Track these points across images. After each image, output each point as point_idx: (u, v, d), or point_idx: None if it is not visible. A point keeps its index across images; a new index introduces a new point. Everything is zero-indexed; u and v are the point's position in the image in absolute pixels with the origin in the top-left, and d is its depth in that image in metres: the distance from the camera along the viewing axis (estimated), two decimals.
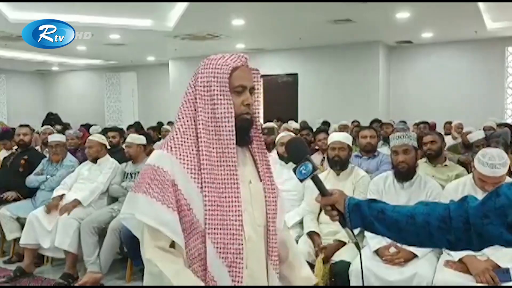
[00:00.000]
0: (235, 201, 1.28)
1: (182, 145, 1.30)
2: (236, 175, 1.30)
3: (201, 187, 1.27)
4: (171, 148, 1.30)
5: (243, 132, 1.35)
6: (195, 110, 1.32)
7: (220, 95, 1.30)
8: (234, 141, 1.30)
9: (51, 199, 3.97)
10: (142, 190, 1.27)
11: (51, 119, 13.39)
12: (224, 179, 1.29)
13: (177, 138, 1.31)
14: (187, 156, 1.28)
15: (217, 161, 1.29)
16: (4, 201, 4.31)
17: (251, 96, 1.36)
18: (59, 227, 3.70)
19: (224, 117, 1.29)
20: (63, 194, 3.99)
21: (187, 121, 1.32)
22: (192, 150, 1.29)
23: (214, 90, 1.30)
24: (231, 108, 1.30)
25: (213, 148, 1.29)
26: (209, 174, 1.27)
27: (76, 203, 3.87)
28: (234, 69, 1.32)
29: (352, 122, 8.36)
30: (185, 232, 1.26)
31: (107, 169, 4.09)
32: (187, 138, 1.30)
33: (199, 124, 1.30)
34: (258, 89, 1.41)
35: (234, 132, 1.30)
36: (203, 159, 1.28)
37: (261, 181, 1.41)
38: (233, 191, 1.29)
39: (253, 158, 1.43)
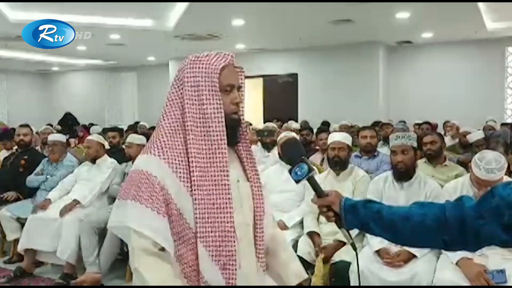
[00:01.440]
0: (225, 202, 1.27)
1: (169, 147, 1.27)
2: (227, 175, 1.28)
3: (191, 190, 1.25)
4: (158, 151, 1.27)
5: (232, 131, 1.34)
6: (182, 110, 1.30)
7: (209, 95, 1.28)
8: (225, 141, 1.29)
9: (44, 200, 3.97)
10: (131, 197, 1.24)
11: (68, 119, 13.27)
12: (215, 180, 1.27)
13: (164, 140, 1.28)
14: (175, 159, 1.26)
15: (207, 162, 1.27)
16: (4, 201, 4.31)
17: (239, 95, 1.35)
18: (63, 236, 3.68)
19: (214, 116, 1.27)
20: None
21: (174, 121, 1.30)
22: (180, 152, 1.27)
23: (202, 90, 1.28)
24: (220, 107, 1.28)
25: (202, 149, 1.27)
26: (199, 176, 1.26)
27: (75, 203, 3.86)
28: (222, 68, 1.30)
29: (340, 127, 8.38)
30: (176, 237, 1.25)
31: (106, 169, 4.10)
32: (175, 140, 1.28)
33: (188, 125, 1.28)
34: (243, 87, 1.40)
35: (225, 132, 1.28)
36: (192, 161, 1.26)
37: (248, 180, 1.40)
38: (223, 192, 1.27)
39: (239, 158, 1.42)
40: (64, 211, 3.80)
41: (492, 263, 2.43)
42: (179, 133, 1.29)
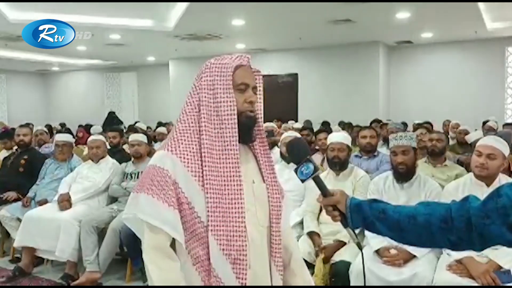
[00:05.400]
0: (237, 198, 1.29)
1: (182, 144, 1.31)
2: (239, 172, 1.30)
3: (203, 185, 1.28)
4: (172, 147, 1.31)
5: (246, 130, 1.36)
6: (199, 109, 1.33)
7: (223, 93, 1.31)
8: (237, 138, 1.31)
9: (60, 195, 3.97)
10: (144, 190, 1.29)
11: (113, 117, 13.06)
12: (227, 176, 1.30)
13: (179, 137, 1.32)
14: (187, 155, 1.29)
15: (219, 158, 1.30)
16: (4, 201, 4.31)
17: (254, 95, 1.37)
18: (61, 236, 3.67)
19: (227, 114, 1.30)
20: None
21: (190, 120, 1.33)
22: (193, 149, 1.30)
23: (217, 88, 1.32)
24: (234, 105, 1.31)
25: (215, 146, 1.30)
26: (211, 172, 1.28)
27: (68, 196, 3.91)
28: (237, 67, 1.33)
29: (339, 123, 8.43)
30: (188, 231, 1.28)
31: (107, 169, 4.11)
32: (188, 137, 1.32)
33: (202, 122, 1.31)
34: (260, 90, 1.42)
35: (236, 129, 1.31)
36: (205, 157, 1.29)
37: (264, 181, 1.41)
38: (235, 188, 1.29)
39: (255, 158, 1.43)
40: (60, 201, 3.86)
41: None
42: (194, 130, 1.32)
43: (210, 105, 1.32)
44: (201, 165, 1.29)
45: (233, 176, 1.30)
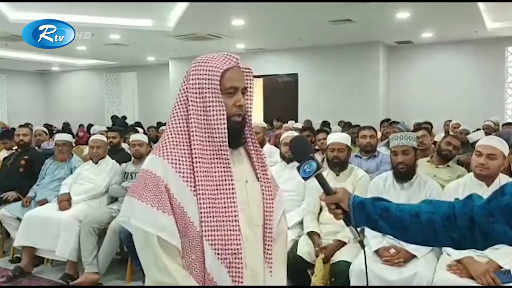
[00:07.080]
0: (230, 201, 1.28)
1: (174, 148, 1.29)
2: (230, 175, 1.29)
3: (195, 190, 1.27)
4: (163, 152, 1.29)
5: (236, 133, 1.35)
6: (187, 112, 1.31)
7: (212, 98, 1.29)
8: (227, 142, 1.30)
9: (60, 195, 3.98)
10: (137, 196, 1.27)
11: (114, 123, 12.54)
12: (219, 180, 1.28)
13: (169, 141, 1.31)
14: (179, 160, 1.28)
15: (211, 162, 1.29)
16: (4, 201, 4.31)
17: (243, 97, 1.35)
18: (62, 236, 3.67)
19: (217, 119, 1.29)
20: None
21: (180, 123, 1.32)
22: (185, 153, 1.29)
23: (205, 93, 1.30)
24: (223, 110, 1.29)
25: (206, 150, 1.29)
26: (203, 177, 1.27)
27: (68, 196, 3.92)
28: (225, 70, 1.31)
29: (339, 122, 8.43)
30: (181, 236, 1.26)
31: (107, 170, 4.11)
32: (179, 141, 1.30)
33: (192, 126, 1.30)
34: (250, 88, 1.40)
35: (226, 134, 1.29)
36: (196, 162, 1.27)
37: (258, 180, 1.41)
38: (228, 191, 1.28)
39: (249, 158, 1.43)
40: (59, 201, 3.87)
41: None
42: (184, 134, 1.31)
43: (199, 109, 1.30)
44: (193, 170, 1.27)
45: (225, 180, 1.29)
